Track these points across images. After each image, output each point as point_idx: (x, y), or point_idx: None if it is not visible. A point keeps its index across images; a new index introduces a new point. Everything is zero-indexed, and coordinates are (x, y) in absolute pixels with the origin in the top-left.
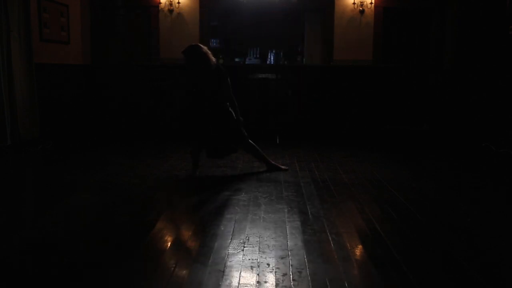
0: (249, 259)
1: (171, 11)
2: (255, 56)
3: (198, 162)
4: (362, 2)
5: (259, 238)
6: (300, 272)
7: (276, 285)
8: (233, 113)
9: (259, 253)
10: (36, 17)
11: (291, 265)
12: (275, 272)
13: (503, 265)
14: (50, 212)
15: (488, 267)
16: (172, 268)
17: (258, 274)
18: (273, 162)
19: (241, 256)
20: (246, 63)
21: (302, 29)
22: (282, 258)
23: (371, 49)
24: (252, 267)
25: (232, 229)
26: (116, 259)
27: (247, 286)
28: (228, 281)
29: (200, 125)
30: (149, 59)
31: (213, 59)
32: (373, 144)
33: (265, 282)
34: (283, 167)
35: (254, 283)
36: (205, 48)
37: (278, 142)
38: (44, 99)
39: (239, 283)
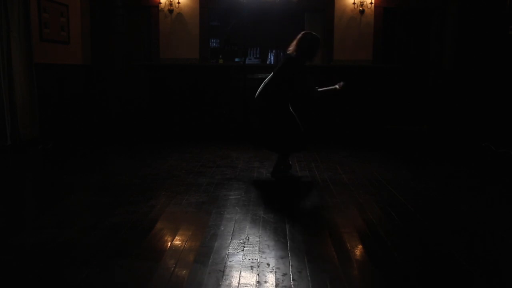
0: (249, 259)
1: (171, 11)
2: (255, 56)
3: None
4: (362, 2)
5: (259, 238)
6: (300, 272)
7: (276, 285)
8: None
9: (259, 253)
10: (36, 17)
11: (291, 265)
12: (275, 272)
13: (503, 265)
14: (50, 212)
15: (488, 267)
16: (172, 268)
17: (258, 274)
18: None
19: (241, 256)
20: (246, 63)
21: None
22: (282, 258)
23: (371, 49)
24: (252, 267)
25: (232, 229)
26: (116, 259)
27: (247, 286)
28: (228, 281)
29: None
30: (149, 59)
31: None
32: (373, 144)
33: (265, 282)
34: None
35: (254, 283)
36: None
37: None
38: (44, 99)
39: (239, 283)
